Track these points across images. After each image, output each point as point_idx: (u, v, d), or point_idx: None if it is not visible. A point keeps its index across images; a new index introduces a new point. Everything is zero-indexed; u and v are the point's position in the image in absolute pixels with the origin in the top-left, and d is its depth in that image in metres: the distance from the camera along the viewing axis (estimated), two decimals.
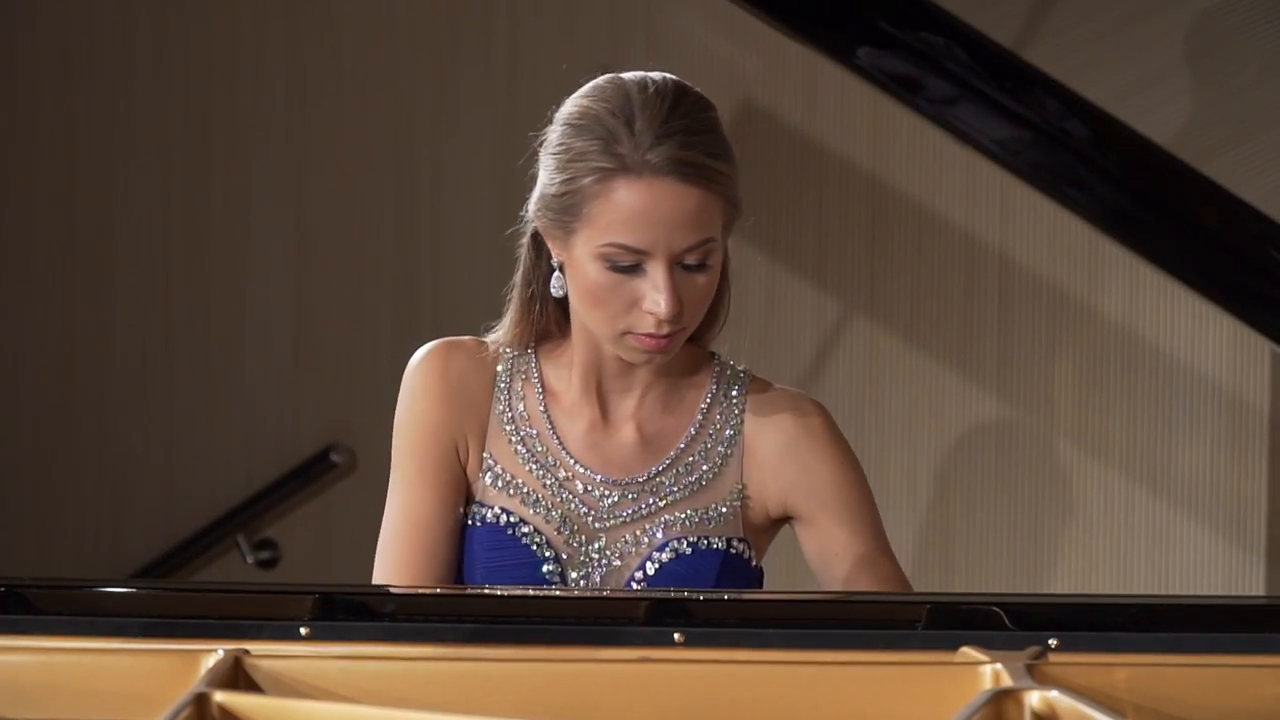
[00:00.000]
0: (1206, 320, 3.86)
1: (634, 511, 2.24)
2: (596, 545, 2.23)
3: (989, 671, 1.68)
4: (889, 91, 2.99)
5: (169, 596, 1.91)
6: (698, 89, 2.21)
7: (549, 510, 2.23)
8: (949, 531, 4.10)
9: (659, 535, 2.23)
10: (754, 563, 2.27)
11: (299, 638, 1.74)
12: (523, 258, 2.28)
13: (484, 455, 2.26)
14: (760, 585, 2.31)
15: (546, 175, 2.19)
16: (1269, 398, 3.84)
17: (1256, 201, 2.97)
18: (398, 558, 2.24)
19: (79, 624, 1.77)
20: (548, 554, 2.22)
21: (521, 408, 2.27)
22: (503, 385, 2.28)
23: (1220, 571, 3.89)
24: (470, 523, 2.25)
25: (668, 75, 2.21)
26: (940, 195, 4.10)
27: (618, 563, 2.23)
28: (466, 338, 2.30)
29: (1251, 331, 3.00)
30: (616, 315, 2.16)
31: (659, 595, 1.95)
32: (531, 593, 2.13)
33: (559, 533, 2.23)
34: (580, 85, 2.24)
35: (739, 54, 4.19)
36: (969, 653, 1.72)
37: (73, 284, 4.60)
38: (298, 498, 4.48)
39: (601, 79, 2.21)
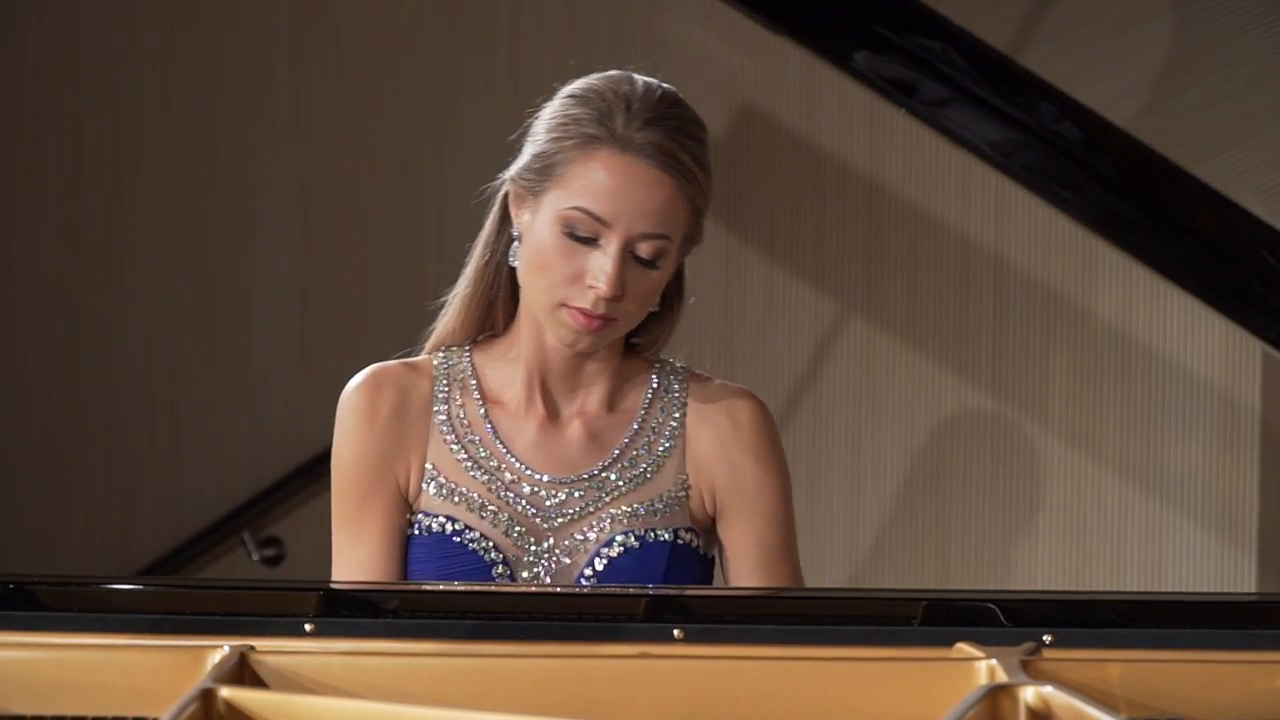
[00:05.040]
0: (1199, 320, 3.87)
1: (581, 509, 2.25)
2: (545, 545, 2.25)
3: (984, 667, 1.70)
4: (884, 94, 3.00)
5: (175, 593, 1.92)
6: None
7: (496, 514, 2.24)
8: (945, 529, 4.12)
9: (606, 529, 2.24)
10: (703, 551, 2.30)
11: (304, 634, 1.75)
12: (487, 224, 2.32)
13: (426, 466, 2.27)
14: (710, 574, 2.33)
15: (534, 140, 2.25)
16: (1260, 397, 3.85)
17: (1249, 204, 2.98)
18: None
19: (86, 620, 1.78)
20: (495, 556, 2.23)
21: (462, 414, 2.29)
22: (441, 396, 2.29)
23: (1212, 569, 3.90)
24: (417, 533, 2.26)
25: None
26: (936, 197, 4.11)
27: (566, 560, 2.24)
28: (394, 362, 2.33)
29: (1243, 332, 3.01)
30: (558, 284, 2.19)
31: (659, 592, 1.97)
32: (532, 590, 2.14)
33: (506, 535, 2.24)
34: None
35: (738, 58, 4.21)
36: (964, 649, 1.73)
37: (80, 284, 4.61)
38: (303, 495, 4.49)
39: (614, 70, 2.27)
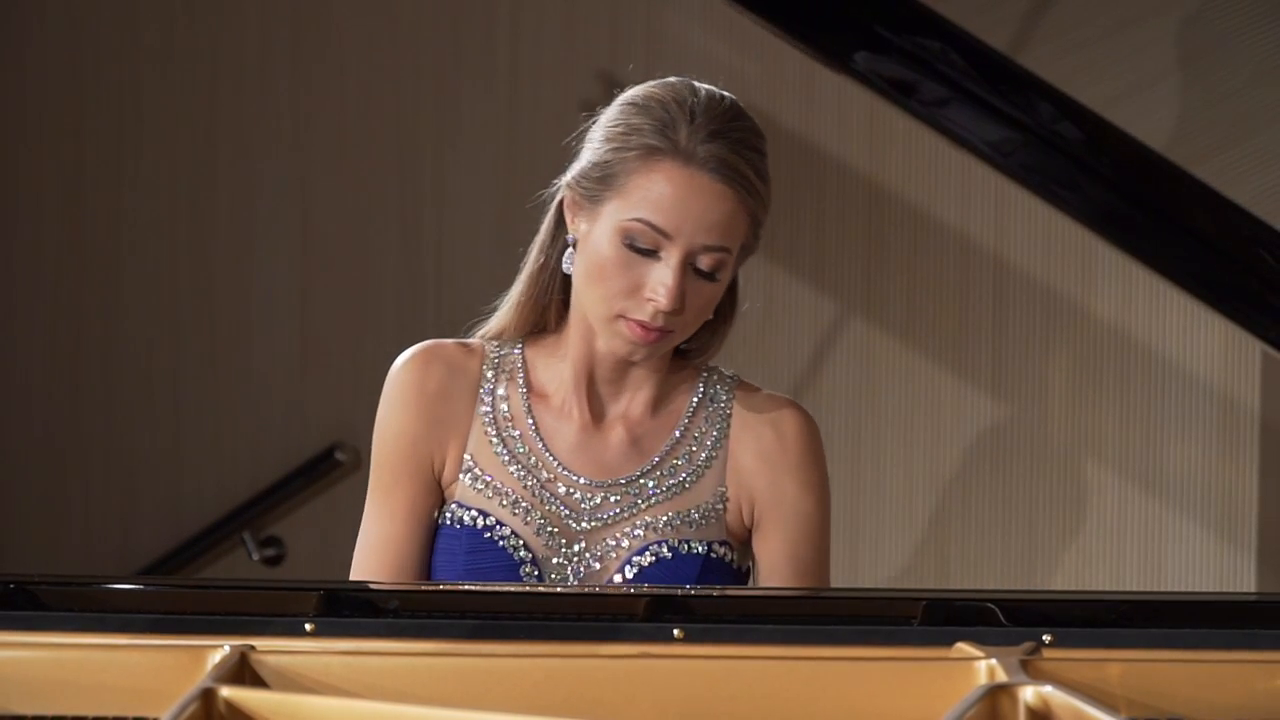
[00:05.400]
0: (1198, 321, 3.87)
1: (616, 514, 2.24)
2: (576, 547, 2.23)
3: (984, 667, 1.70)
4: (883, 94, 3.00)
5: (176, 593, 1.93)
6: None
7: (529, 512, 2.23)
8: (945, 529, 4.12)
9: (640, 537, 2.23)
10: (735, 565, 2.27)
11: (304, 634, 1.75)
12: (542, 228, 2.29)
13: (464, 456, 2.25)
14: (744, 584, 2.32)
15: (592, 147, 2.21)
16: (1259, 397, 3.86)
17: (1248, 204, 2.98)
18: (372, 576, 2.26)
19: (87, 620, 1.78)
20: (524, 556, 2.22)
21: (505, 408, 2.27)
22: (487, 385, 2.28)
23: (1211, 568, 3.90)
24: (449, 523, 2.25)
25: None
26: (936, 198, 4.11)
27: (596, 565, 2.23)
28: (449, 341, 2.30)
29: (1243, 332, 3.01)
30: (615, 296, 2.16)
31: (659, 592, 1.97)
32: (533, 589, 2.13)
33: (538, 535, 2.22)
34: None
35: (738, 58, 4.21)
36: (964, 648, 1.73)
37: (81, 284, 4.62)
38: (303, 495, 4.50)
39: (673, 78, 2.24)
